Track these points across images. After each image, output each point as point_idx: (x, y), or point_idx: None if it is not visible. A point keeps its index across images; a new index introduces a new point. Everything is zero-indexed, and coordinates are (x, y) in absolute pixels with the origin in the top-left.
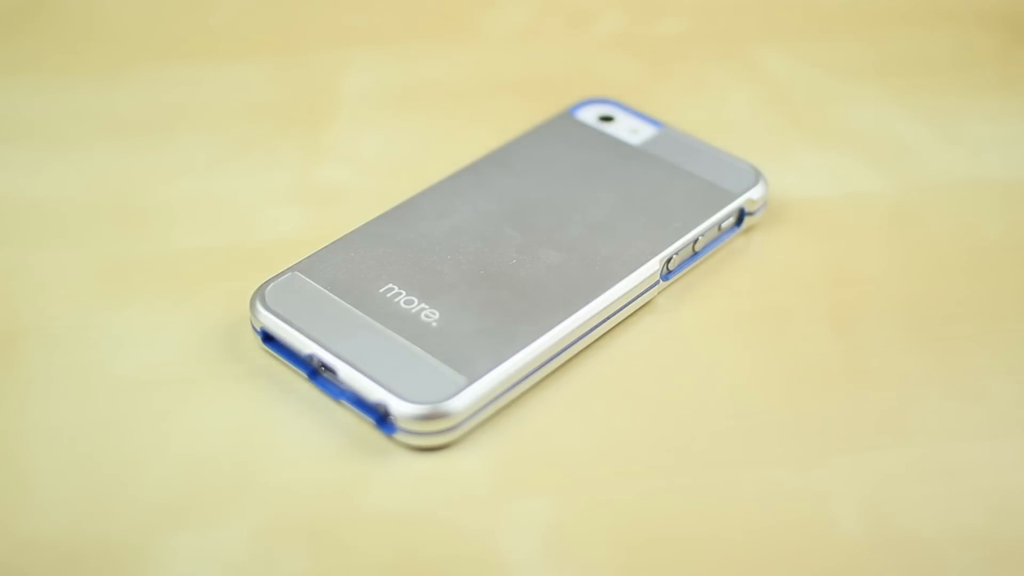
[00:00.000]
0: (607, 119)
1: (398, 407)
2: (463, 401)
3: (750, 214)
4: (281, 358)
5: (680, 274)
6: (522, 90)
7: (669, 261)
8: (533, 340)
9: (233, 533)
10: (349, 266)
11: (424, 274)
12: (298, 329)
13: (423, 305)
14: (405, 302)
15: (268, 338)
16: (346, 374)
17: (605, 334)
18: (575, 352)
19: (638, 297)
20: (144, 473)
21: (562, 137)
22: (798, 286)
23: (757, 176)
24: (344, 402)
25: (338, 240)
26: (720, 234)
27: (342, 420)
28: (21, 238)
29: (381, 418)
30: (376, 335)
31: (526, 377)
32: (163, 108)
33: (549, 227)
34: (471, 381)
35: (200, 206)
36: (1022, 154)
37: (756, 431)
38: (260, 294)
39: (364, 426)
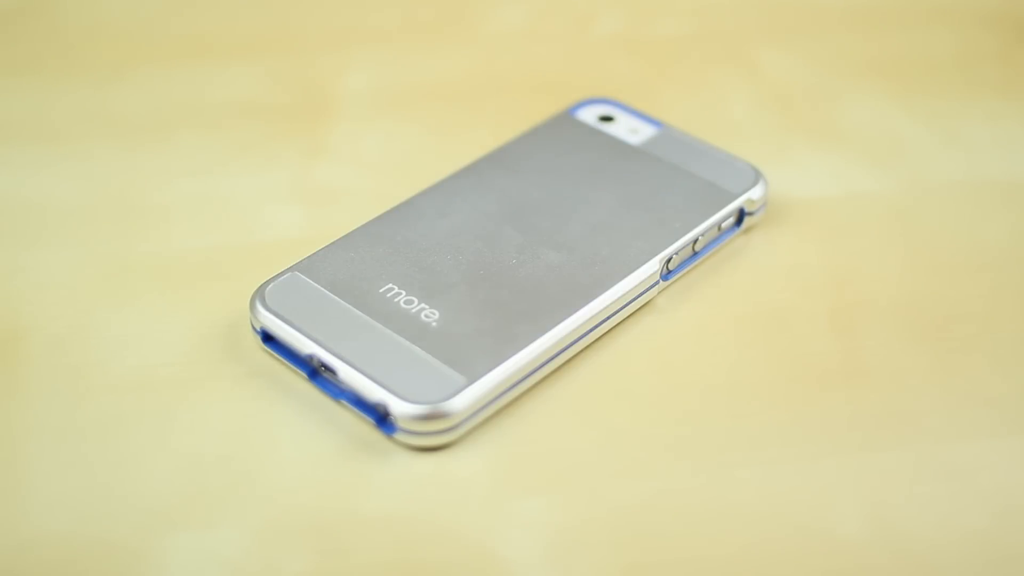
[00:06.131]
0: (607, 119)
1: (398, 407)
2: (463, 401)
3: (750, 214)
4: (281, 358)
5: (680, 274)
6: (522, 90)
7: (669, 261)
8: (533, 340)
9: (233, 533)
10: (349, 266)
11: (424, 274)
12: (298, 329)
13: (423, 305)
14: (405, 302)
15: (268, 338)
16: (346, 374)
17: (605, 334)
18: (575, 352)
19: (638, 297)
20: (144, 473)
21: (562, 137)
22: (798, 286)
23: (757, 176)
24: (344, 402)
25: (338, 240)
26: (720, 234)
27: (342, 420)
28: (21, 238)
29: (381, 418)
30: (376, 335)
31: (526, 377)
32: (163, 108)
33: (549, 227)
34: (471, 381)
35: (200, 206)
36: (1022, 154)
37: (756, 431)
38: (260, 294)
39: (364, 426)
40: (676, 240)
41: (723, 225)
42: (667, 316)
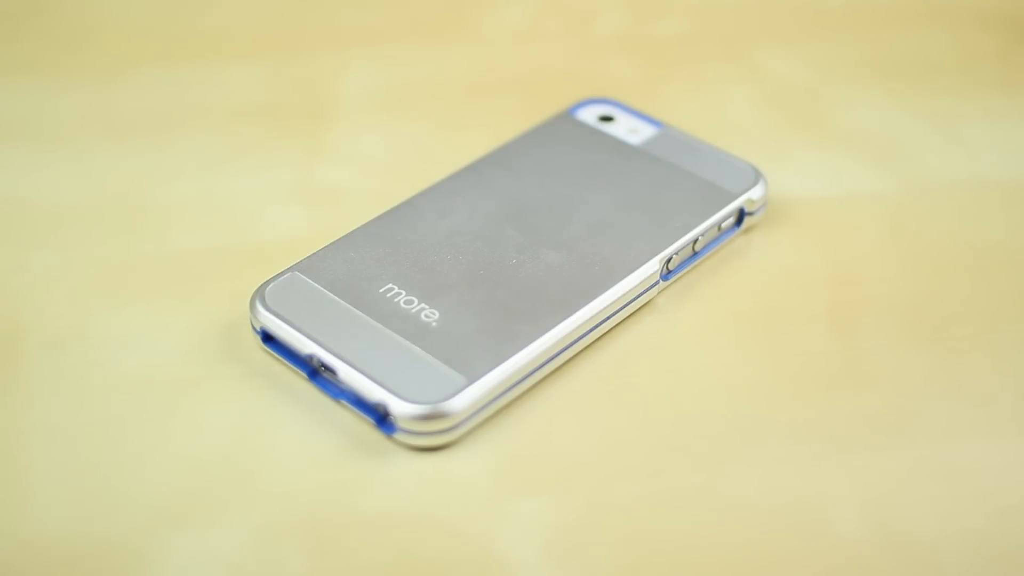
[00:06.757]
0: (607, 119)
1: (398, 407)
2: (463, 401)
3: (750, 214)
4: (281, 358)
5: (680, 274)
6: (522, 90)
7: (669, 261)
8: (533, 340)
9: (233, 533)
10: (349, 266)
11: (424, 274)
12: (298, 329)
13: (423, 305)
14: (405, 302)
15: (268, 338)
16: (346, 374)
17: (605, 334)
18: (575, 352)
19: (638, 297)
20: (144, 473)
21: (562, 137)
22: (798, 286)
23: (757, 176)
24: (344, 402)
25: (338, 240)
26: (720, 234)
27: (342, 420)
28: (21, 238)
29: (381, 418)
30: (376, 335)
31: (526, 377)
32: (163, 108)
33: (549, 227)
34: (471, 381)
35: (200, 206)
36: (1022, 154)
37: (756, 431)
38: (260, 294)
39: (364, 426)
40: (676, 240)
41: (723, 225)
42: (667, 316)
